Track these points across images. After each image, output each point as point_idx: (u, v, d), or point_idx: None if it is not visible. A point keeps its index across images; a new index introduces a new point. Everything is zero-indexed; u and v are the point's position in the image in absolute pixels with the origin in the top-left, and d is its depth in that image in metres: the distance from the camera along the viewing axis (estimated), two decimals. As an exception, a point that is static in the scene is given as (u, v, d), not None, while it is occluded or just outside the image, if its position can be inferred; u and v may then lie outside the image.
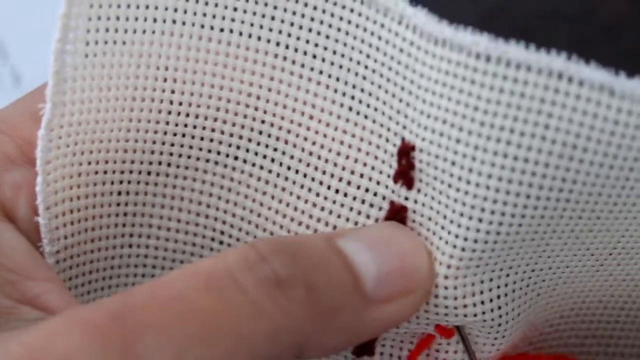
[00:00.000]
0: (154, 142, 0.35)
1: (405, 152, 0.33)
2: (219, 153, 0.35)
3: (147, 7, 0.33)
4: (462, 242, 0.32)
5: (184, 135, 0.35)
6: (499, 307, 0.34)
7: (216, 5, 0.34)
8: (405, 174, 0.33)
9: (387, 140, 0.33)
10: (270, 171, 0.35)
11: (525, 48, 0.30)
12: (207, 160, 0.35)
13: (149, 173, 0.35)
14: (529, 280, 0.34)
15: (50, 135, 0.34)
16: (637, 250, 0.34)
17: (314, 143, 0.34)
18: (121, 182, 0.35)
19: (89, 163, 0.35)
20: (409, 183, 0.33)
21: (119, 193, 0.36)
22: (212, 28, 0.34)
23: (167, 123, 0.35)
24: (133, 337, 0.27)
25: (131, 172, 0.35)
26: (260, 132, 0.35)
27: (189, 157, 0.35)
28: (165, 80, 0.34)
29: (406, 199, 0.34)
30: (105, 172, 0.35)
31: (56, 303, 0.31)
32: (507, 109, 0.30)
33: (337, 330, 0.31)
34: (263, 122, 0.35)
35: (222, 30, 0.34)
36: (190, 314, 0.28)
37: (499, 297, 0.34)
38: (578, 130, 0.29)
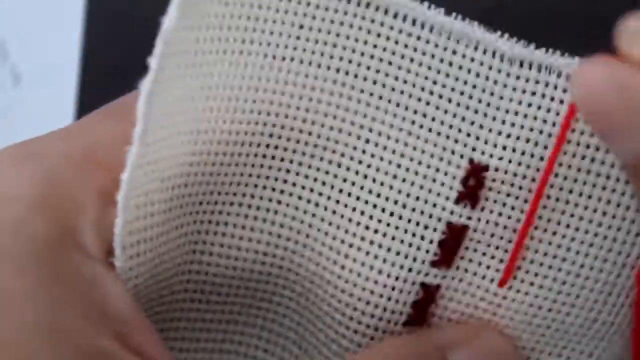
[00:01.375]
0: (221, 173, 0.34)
1: (476, 172, 0.34)
2: (276, 179, 0.35)
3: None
4: None
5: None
6: None
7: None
8: (471, 193, 0.34)
9: (449, 163, 0.34)
10: (320, 194, 0.35)
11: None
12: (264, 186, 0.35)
13: (222, 203, 0.35)
14: None
15: (132, 175, 0.31)
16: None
17: (369, 166, 0.34)
18: (191, 220, 0.34)
19: (160, 202, 0.33)
20: (473, 202, 0.34)
21: (188, 225, 0.34)
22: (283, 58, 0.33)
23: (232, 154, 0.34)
24: None
25: (200, 208, 0.34)
26: (313, 156, 0.34)
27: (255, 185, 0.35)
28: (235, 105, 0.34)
29: (468, 218, 0.34)
30: (173, 209, 0.34)
31: (160, 357, 0.30)
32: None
33: None
34: (316, 146, 0.34)
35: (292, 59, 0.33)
36: None
37: None
38: None
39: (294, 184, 0.35)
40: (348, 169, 0.34)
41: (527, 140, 0.33)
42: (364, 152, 0.34)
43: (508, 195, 0.34)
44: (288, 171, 0.34)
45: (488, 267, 0.34)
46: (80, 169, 0.32)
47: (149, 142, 0.31)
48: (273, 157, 0.34)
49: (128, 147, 0.31)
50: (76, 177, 0.32)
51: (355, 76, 0.33)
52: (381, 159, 0.34)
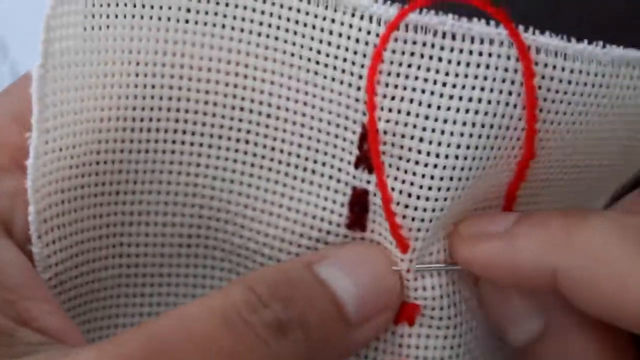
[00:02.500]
0: (138, 152, 0.36)
1: (367, 137, 0.34)
2: (189, 164, 0.36)
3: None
4: (430, 213, 0.34)
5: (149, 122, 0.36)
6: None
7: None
8: (366, 158, 0.34)
9: (346, 129, 0.34)
10: (233, 170, 0.36)
11: (487, 24, 0.32)
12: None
13: (134, 182, 0.36)
14: None
15: (37, 163, 0.34)
16: None
17: (274, 139, 0.35)
18: (111, 211, 0.36)
19: (75, 189, 0.35)
20: (370, 167, 0.34)
21: (108, 215, 0.36)
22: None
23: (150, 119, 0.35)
24: None
25: (113, 161, 0.36)
26: (220, 137, 0.36)
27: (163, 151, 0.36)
28: (145, 75, 0.35)
29: (368, 182, 0.35)
30: (91, 196, 0.36)
31: (55, 326, 0.32)
32: (474, 80, 0.32)
33: (326, 358, 0.33)
34: (222, 126, 0.36)
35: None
36: (217, 354, 0.30)
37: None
38: (537, 93, 0.32)
39: (207, 166, 0.36)
40: (256, 144, 0.36)
41: (411, 101, 0.33)
42: (267, 126, 0.35)
43: (400, 158, 0.34)
44: (199, 155, 0.36)
45: (386, 229, 0.35)
46: (6, 129, 0.35)
47: (49, 128, 0.34)
48: (183, 142, 0.36)
49: (17, 119, 0.34)
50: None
51: (238, 52, 0.34)
52: (284, 130, 0.35)
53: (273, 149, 0.36)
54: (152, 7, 0.34)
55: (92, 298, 0.37)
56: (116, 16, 0.34)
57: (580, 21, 0.39)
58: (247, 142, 0.36)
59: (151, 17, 0.34)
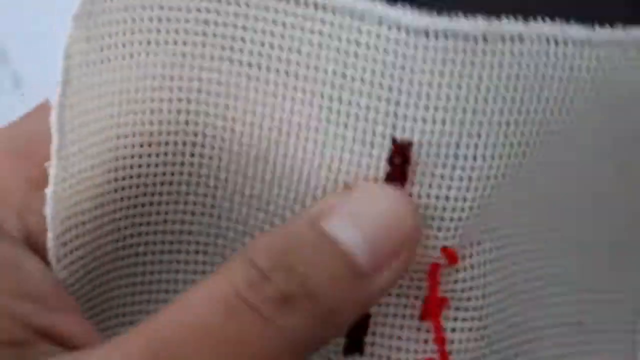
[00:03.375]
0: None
1: (400, 150, 0.33)
2: (212, 147, 0.35)
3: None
4: (467, 212, 0.34)
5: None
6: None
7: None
8: (399, 171, 0.33)
9: (372, 146, 0.33)
10: (252, 190, 0.35)
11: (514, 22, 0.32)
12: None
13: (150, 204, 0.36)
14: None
15: (57, 190, 0.33)
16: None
17: (294, 157, 0.34)
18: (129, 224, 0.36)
19: (96, 208, 0.34)
20: (403, 180, 0.33)
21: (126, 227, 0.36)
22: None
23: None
24: None
25: (131, 177, 0.35)
26: (240, 154, 0.35)
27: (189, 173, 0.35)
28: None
29: None
30: (110, 213, 0.35)
31: (78, 336, 0.31)
32: (508, 81, 0.32)
33: (345, 317, 0.32)
34: (241, 144, 0.35)
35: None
36: (221, 343, 0.29)
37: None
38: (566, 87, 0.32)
39: (226, 180, 0.35)
40: (275, 164, 0.34)
41: (446, 110, 0.32)
42: (286, 145, 0.34)
43: (435, 166, 0.33)
44: (219, 168, 0.35)
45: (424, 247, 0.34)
46: (12, 161, 0.35)
47: (67, 155, 0.33)
48: (202, 155, 0.35)
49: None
50: (6, 169, 0.35)
51: (259, 67, 0.33)
52: (304, 150, 0.34)
53: (292, 169, 0.34)
54: (168, 19, 0.33)
55: (105, 307, 0.37)
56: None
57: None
58: (266, 161, 0.34)
59: (168, 31, 0.33)
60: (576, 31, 0.32)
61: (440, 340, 0.35)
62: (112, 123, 0.34)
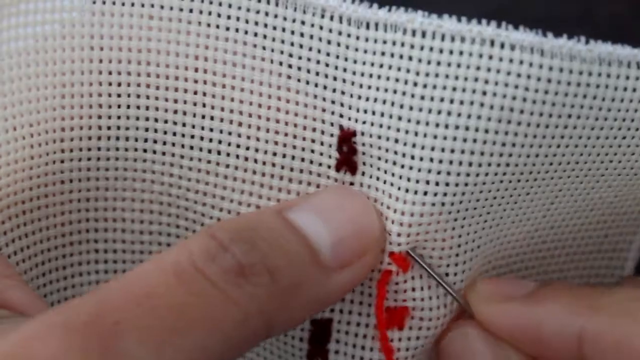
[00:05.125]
0: (99, 138, 0.36)
1: (347, 139, 0.33)
2: (164, 143, 0.36)
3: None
4: (408, 217, 0.33)
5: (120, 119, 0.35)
6: (455, 220, 0.34)
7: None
8: (348, 160, 0.34)
9: (323, 133, 0.34)
10: (207, 172, 0.36)
11: (458, 21, 0.31)
12: (154, 151, 0.36)
13: (97, 169, 0.36)
14: (478, 241, 0.35)
15: None
16: (569, 208, 0.36)
17: (247, 148, 0.35)
18: (71, 180, 0.36)
19: (38, 198, 0.36)
20: (352, 169, 0.34)
21: (70, 191, 0.36)
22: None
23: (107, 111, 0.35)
24: (112, 336, 0.27)
25: (79, 169, 0.36)
26: (192, 147, 0.35)
27: (135, 149, 0.36)
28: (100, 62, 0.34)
29: (351, 184, 0.34)
30: (56, 205, 0.36)
31: (19, 299, 0.32)
32: (446, 79, 0.31)
33: (301, 304, 0.32)
34: (192, 137, 0.35)
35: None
36: (165, 309, 0.28)
37: (456, 216, 0.34)
38: (514, 93, 0.31)
39: (179, 176, 0.36)
40: (228, 154, 0.35)
41: (384, 102, 0.32)
42: (239, 135, 0.35)
43: (379, 158, 0.33)
44: (172, 164, 0.36)
45: None
46: None
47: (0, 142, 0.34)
48: (154, 152, 0.36)
49: None
50: None
51: (215, 61, 0.34)
52: (257, 139, 0.34)
53: (246, 159, 0.35)
54: (121, 15, 0.34)
55: (62, 275, 0.37)
56: (82, 25, 0.34)
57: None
58: (219, 152, 0.35)
59: (121, 27, 0.34)
60: (522, 36, 0.30)
61: (387, 351, 0.35)
62: (55, 114, 0.35)
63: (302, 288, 0.31)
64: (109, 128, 0.35)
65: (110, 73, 0.34)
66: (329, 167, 0.34)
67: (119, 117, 0.35)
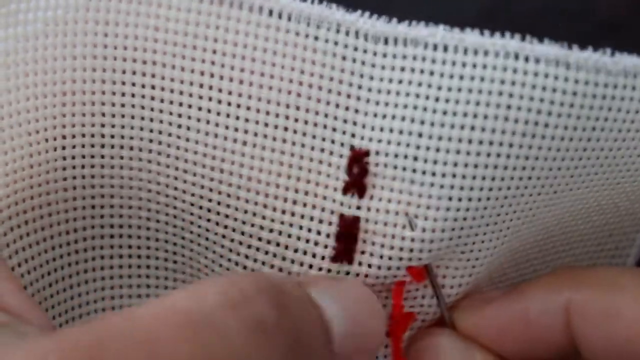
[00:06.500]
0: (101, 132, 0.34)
1: (359, 159, 0.32)
2: (168, 156, 0.34)
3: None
4: (430, 234, 0.32)
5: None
6: (476, 235, 0.33)
7: None
8: (357, 182, 0.32)
9: (332, 153, 0.33)
10: (211, 189, 0.34)
11: (481, 34, 0.30)
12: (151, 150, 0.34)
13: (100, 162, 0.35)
14: (493, 250, 0.34)
15: None
16: (582, 214, 0.36)
17: (251, 168, 0.33)
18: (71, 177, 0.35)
19: (40, 207, 0.34)
20: (361, 191, 0.33)
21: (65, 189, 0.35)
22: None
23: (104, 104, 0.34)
24: None
25: (83, 177, 0.35)
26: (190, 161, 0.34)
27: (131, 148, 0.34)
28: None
29: (358, 208, 0.33)
30: (60, 213, 0.35)
31: (16, 304, 0.30)
32: (469, 94, 0.30)
33: None
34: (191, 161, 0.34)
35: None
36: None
37: (477, 231, 0.33)
38: (539, 106, 0.30)
39: (184, 191, 0.34)
40: (231, 173, 0.33)
41: (403, 119, 0.31)
42: (243, 155, 0.33)
43: (393, 179, 0.32)
44: (176, 178, 0.34)
45: (381, 257, 0.33)
46: None
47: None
48: (158, 163, 0.34)
49: None
50: None
51: (222, 78, 0.32)
52: (262, 159, 0.33)
53: (250, 179, 0.33)
54: (126, 25, 0.32)
55: (73, 315, 0.36)
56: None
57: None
58: (221, 170, 0.33)
59: (126, 37, 0.32)
60: (547, 49, 0.30)
61: (397, 357, 0.34)
62: (54, 123, 0.33)
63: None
64: (112, 136, 0.34)
65: (114, 83, 0.33)
66: (335, 189, 0.33)
67: (122, 127, 0.33)
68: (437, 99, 0.31)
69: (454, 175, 0.31)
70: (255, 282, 0.28)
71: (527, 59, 0.30)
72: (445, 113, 0.31)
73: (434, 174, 0.31)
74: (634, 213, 0.37)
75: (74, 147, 0.33)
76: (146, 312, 0.26)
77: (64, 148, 0.33)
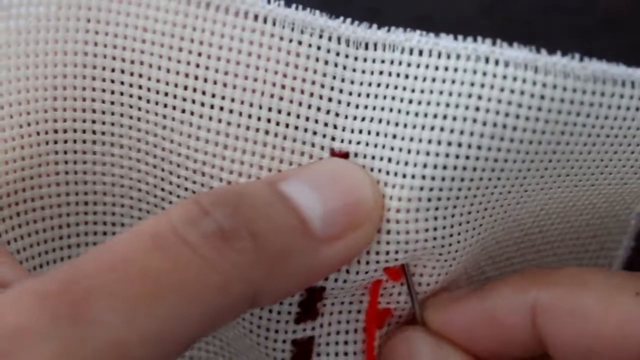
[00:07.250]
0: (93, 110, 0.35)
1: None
2: (155, 156, 0.35)
3: None
4: (404, 236, 0.33)
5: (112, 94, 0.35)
6: (451, 235, 0.33)
7: None
8: None
9: (311, 157, 0.34)
10: (193, 192, 0.35)
11: (454, 39, 0.31)
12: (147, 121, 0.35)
13: (93, 142, 0.36)
14: (469, 248, 0.35)
15: None
16: (558, 213, 0.36)
17: (231, 172, 0.34)
18: (63, 150, 0.36)
19: (33, 200, 0.35)
20: None
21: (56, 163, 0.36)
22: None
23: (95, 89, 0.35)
24: (83, 303, 0.26)
25: (75, 171, 0.36)
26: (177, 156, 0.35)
27: (128, 126, 0.35)
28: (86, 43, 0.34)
29: None
30: (53, 207, 0.36)
31: (7, 276, 0.31)
32: (439, 96, 0.31)
33: (289, 274, 0.31)
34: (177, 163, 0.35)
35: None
36: (139, 274, 0.27)
37: (450, 231, 0.33)
38: (507, 109, 0.31)
39: (170, 184, 0.35)
40: (212, 176, 0.34)
41: (380, 121, 0.32)
42: (223, 158, 0.34)
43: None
44: (170, 183, 0.35)
45: (358, 262, 0.34)
46: None
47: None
48: (146, 163, 0.35)
49: None
50: None
51: (205, 80, 0.33)
52: (242, 163, 0.34)
53: (230, 183, 0.34)
54: (117, 24, 0.33)
55: (52, 247, 0.37)
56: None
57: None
58: (203, 174, 0.34)
59: (116, 36, 0.33)
60: (516, 53, 0.30)
61: (370, 353, 0.35)
62: (46, 116, 0.34)
63: (290, 257, 0.30)
64: (103, 133, 0.35)
65: (104, 80, 0.34)
66: None
67: (112, 124, 0.35)
68: (410, 101, 0.32)
69: (423, 177, 0.32)
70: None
71: (496, 62, 0.31)
72: (417, 115, 0.32)
73: (404, 176, 0.32)
74: (617, 215, 0.37)
75: (65, 141, 0.35)
76: (117, 238, 0.29)
77: (55, 142, 0.35)
